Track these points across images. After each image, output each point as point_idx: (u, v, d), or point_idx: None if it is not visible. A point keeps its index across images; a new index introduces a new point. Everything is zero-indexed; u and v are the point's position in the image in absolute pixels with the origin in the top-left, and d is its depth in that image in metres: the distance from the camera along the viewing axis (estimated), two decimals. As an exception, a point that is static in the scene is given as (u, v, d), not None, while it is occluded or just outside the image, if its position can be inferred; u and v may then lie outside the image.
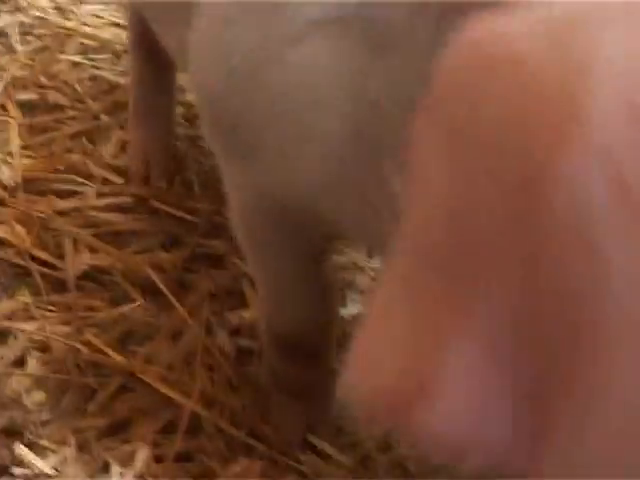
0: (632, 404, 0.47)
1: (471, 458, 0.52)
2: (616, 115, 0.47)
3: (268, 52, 0.93)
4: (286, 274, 1.28)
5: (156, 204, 1.76)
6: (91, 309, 1.59)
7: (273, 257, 1.25)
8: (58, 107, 1.96)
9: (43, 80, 2.01)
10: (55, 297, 1.60)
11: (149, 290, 1.62)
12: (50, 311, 1.57)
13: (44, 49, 2.11)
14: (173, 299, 1.56)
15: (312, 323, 1.35)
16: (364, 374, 0.55)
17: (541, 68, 0.49)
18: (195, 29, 1.04)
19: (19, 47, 2.11)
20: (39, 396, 1.45)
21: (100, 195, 1.77)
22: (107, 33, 2.17)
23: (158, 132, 1.82)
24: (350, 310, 1.61)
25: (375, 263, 1.70)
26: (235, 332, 1.57)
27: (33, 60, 2.07)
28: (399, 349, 0.54)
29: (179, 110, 1.93)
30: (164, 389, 1.45)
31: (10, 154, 1.82)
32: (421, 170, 0.54)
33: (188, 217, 1.74)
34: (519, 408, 0.51)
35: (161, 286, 1.58)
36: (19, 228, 1.68)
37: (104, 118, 1.94)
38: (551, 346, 0.49)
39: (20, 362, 1.50)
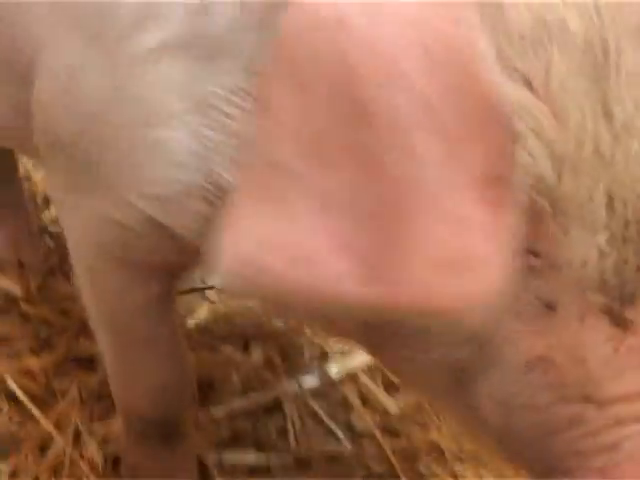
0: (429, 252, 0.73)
1: (326, 295, 0.74)
2: (401, 49, 0.72)
3: (117, 89, 1.02)
4: (134, 328, 1.24)
5: (26, 306, 1.72)
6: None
7: (120, 310, 1.21)
8: None
9: None
10: None
11: (16, 398, 1.58)
12: None
13: None
14: (38, 412, 1.52)
15: (167, 393, 1.31)
16: (240, 251, 0.75)
17: (355, 27, 0.74)
18: (41, 79, 1.10)
19: None
20: None
21: (-34, 299, 1.73)
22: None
23: (18, 225, 1.79)
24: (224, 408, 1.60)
25: (251, 356, 1.69)
26: (104, 441, 1.53)
27: None
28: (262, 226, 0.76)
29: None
30: (28, 506, 1.41)
31: None
32: (269, 105, 0.77)
33: (59, 319, 1.70)
34: (363, 251, 0.73)
35: (24, 398, 1.53)
36: None
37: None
38: (378, 211, 0.73)
39: None
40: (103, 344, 1.29)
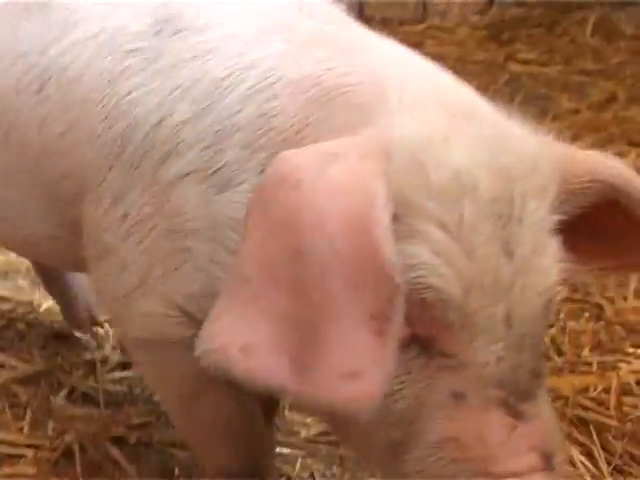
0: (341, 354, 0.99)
1: (265, 382, 1.01)
2: (328, 216, 1.00)
3: (155, 206, 1.28)
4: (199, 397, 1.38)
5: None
6: None
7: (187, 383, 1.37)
8: None
9: None
10: None
11: None
12: None
13: None
14: None
15: (245, 441, 1.43)
16: (214, 341, 1.03)
17: (305, 190, 1.01)
18: (89, 202, 1.35)
19: None
20: None
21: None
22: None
23: None
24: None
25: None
26: None
27: None
28: (230, 327, 1.03)
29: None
30: None
31: None
32: (246, 232, 1.05)
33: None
34: (292, 354, 1.00)
35: None
36: None
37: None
38: (304, 327, 1.00)
39: None
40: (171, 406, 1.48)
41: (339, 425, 1.22)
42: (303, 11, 1.32)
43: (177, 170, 1.26)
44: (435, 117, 1.12)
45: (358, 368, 0.98)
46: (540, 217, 1.11)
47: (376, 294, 0.99)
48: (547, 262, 1.11)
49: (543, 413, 1.11)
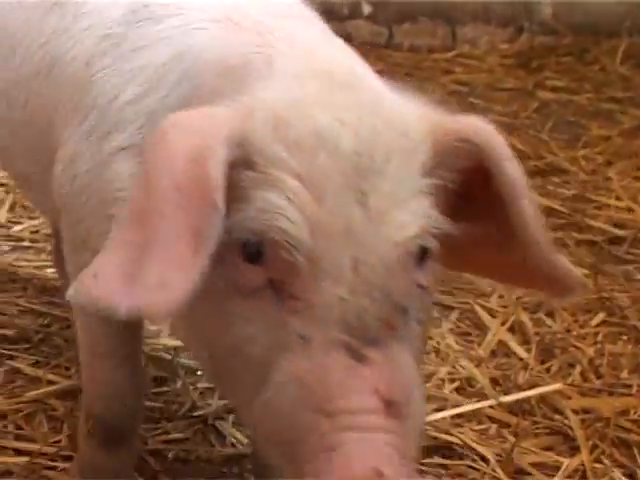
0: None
1: (106, 305, 1.10)
2: (176, 152, 1.14)
3: (97, 174, 1.44)
4: (105, 348, 1.56)
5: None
6: None
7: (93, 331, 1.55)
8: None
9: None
10: None
11: None
12: None
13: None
14: None
15: (119, 401, 1.59)
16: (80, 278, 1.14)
17: (167, 139, 1.15)
18: (57, 161, 1.53)
19: None
20: None
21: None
22: None
23: None
24: None
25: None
26: None
27: None
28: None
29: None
30: None
31: None
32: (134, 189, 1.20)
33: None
34: (128, 276, 1.11)
35: None
36: None
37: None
38: (143, 250, 1.11)
39: None
40: (83, 357, 1.61)
41: (215, 373, 1.30)
42: (270, 6, 1.44)
43: (117, 144, 1.41)
44: (309, 84, 1.21)
45: (168, 278, 1.08)
46: (405, 176, 1.16)
47: (198, 215, 1.09)
48: (406, 217, 1.15)
49: (397, 363, 1.13)
